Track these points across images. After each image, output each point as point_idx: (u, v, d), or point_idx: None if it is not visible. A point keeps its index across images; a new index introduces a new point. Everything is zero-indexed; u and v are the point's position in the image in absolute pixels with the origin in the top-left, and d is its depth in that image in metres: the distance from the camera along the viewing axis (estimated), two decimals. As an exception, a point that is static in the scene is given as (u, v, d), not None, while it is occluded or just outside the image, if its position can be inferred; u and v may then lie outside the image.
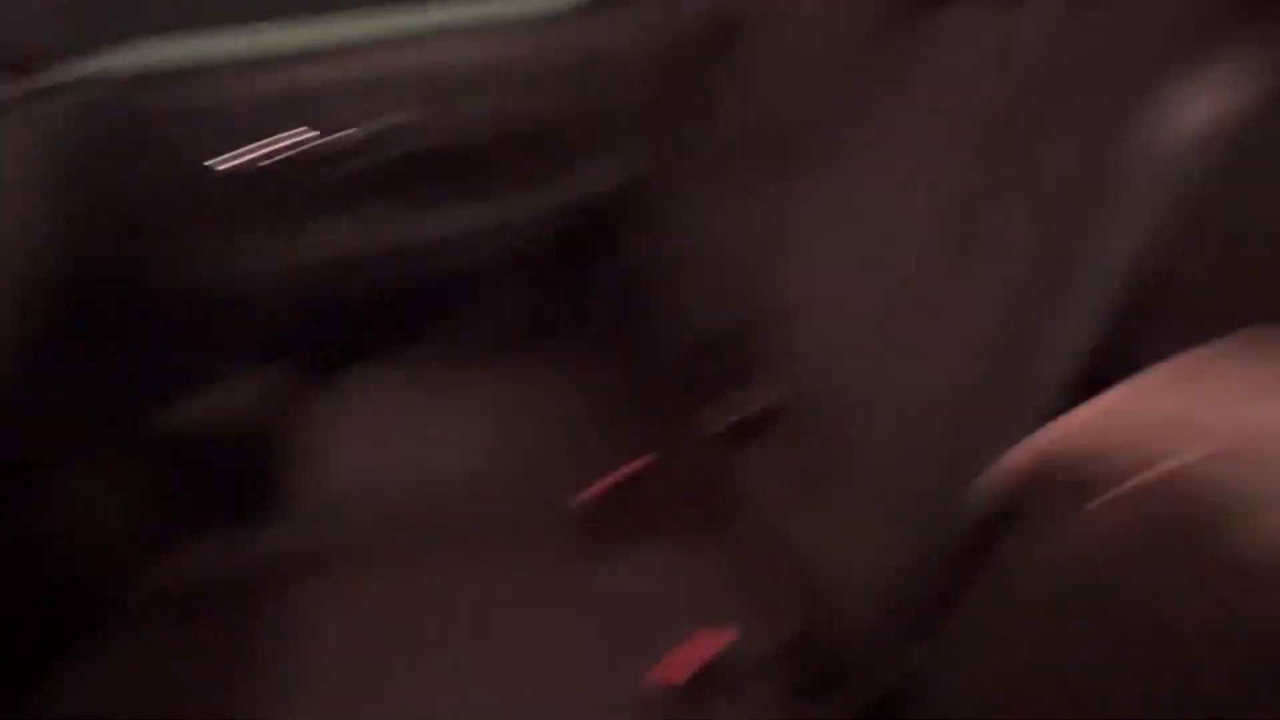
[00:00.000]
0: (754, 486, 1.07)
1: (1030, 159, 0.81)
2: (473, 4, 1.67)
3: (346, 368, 1.44)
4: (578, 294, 1.61)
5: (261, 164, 1.49)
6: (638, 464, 1.16)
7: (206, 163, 1.48)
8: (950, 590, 0.73)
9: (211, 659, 1.04)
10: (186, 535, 1.37)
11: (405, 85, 1.53)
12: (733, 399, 1.09)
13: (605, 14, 1.61)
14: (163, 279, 1.46)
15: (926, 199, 0.90)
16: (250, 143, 1.49)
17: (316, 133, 1.50)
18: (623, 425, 1.28)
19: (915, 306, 0.86)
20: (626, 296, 1.50)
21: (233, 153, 1.48)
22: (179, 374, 1.46)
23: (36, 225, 1.19)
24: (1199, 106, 0.69)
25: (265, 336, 1.53)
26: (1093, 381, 0.69)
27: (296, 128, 1.50)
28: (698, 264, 1.30)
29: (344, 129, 1.50)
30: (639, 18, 1.54)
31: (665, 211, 1.42)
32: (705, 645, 0.88)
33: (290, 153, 1.50)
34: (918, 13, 1.01)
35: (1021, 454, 0.62)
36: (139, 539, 1.37)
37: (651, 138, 1.49)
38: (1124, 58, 0.76)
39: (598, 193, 1.56)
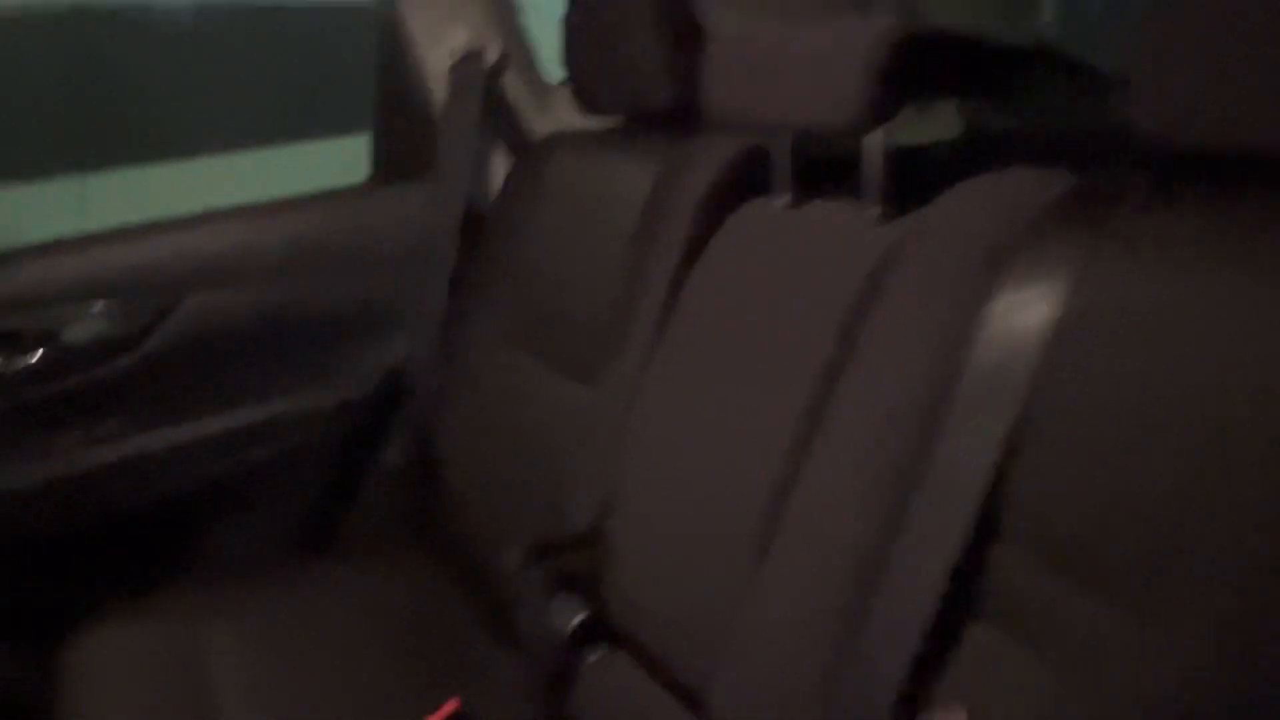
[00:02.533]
0: (594, 710, 0.99)
1: (867, 368, 0.81)
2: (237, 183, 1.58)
3: (93, 616, 1.23)
4: (360, 492, 1.49)
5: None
6: (462, 689, 1.06)
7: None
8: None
9: None
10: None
11: (156, 277, 1.39)
12: (556, 612, 1.02)
13: (382, 195, 1.55)
14: None
15: (760, 409, 0.89)
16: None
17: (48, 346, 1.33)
18: (436, 644, 1.17)
19: (757, 528, 0.84)
20: (413, 490, 1.41)
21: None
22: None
23: None
24: (1034, 307, 0.71)
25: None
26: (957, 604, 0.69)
27: (27, 333, 1.32)
28: (492, 464, 1.24)
29: (83, 335, 1.33)
30: (408, 200, 1.49)
31: (450, 402, 1.35)
32: None
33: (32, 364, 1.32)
34: (708, 208, 1.03)
35: None
36: None
37: (423, 326, 1.42)
38: (954, 257, 0.78)
39: (369, 387, 1.47)
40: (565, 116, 1.41)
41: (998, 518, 0.69)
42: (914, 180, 0.88)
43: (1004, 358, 0.71)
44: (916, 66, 0.83)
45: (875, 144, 0.88)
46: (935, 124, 1.25)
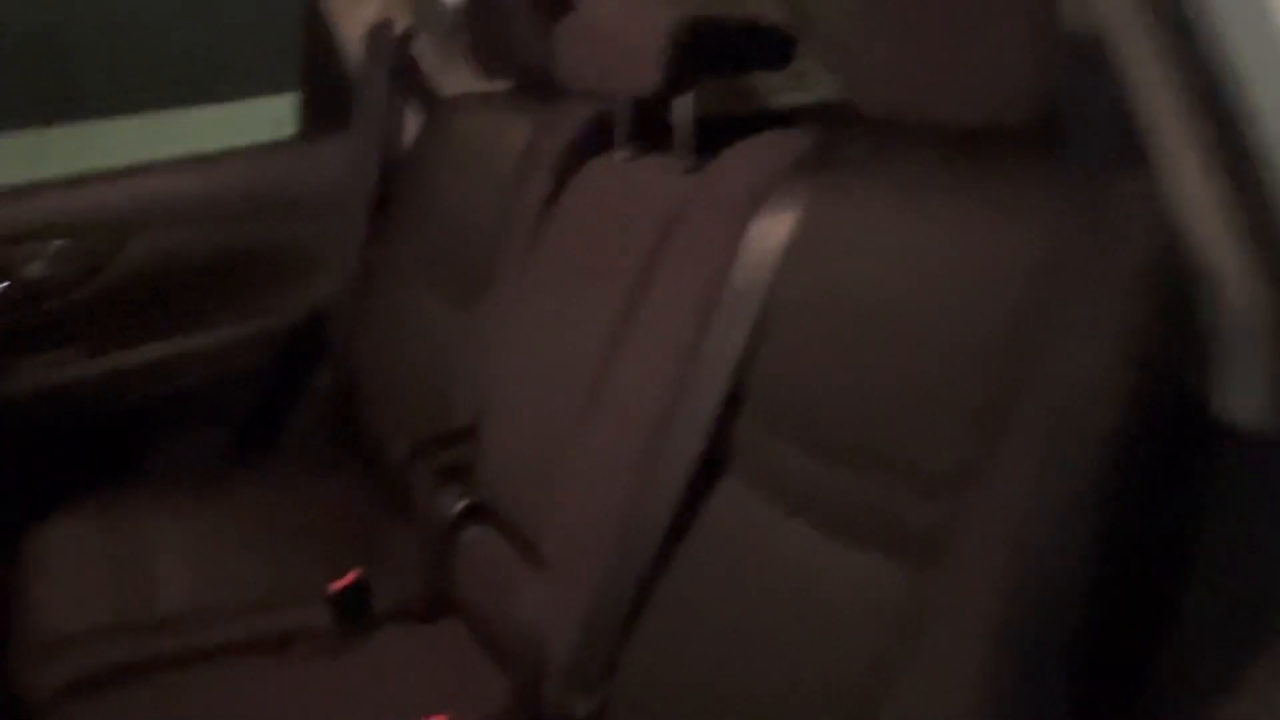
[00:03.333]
0: (467, 577, 1.22)
1: (663, 283, 1.03)
2: (173, 138, 1.75)
3: (50, 515, 1.43)
4: (289, 410, 1.70)
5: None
6: (366, 560, 1.27)
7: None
8: (626, 635, 0.92)
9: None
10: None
11: (98, 219, 1.58)
12: (440, 499, 1.24)
13: (305, 149, 1.74)
14: None
15: (588, 321, 1.11)
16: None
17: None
18: (348, 527, 1.39)
19: (581, 408, 1.06)
20: (335, 408, 1.62)
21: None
22: None
23: None
24: (776, 233, 0.92)
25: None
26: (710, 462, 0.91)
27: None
28: (397, 380, 1.45)
29: (40, 270, 1.52)
30: (331, 154, 1.68)
31: (365, 332, 1.55)
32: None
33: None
34: (565, 162, 1.24)
35: None
36: None
37: (344, 264, 1.62)
38: (723, 203, 1.00)
39: (297, 317, 1.67)
40: (469, 80, 1.60)
41: (744, 391, 0.90)
42: (723, 139, 1.08)
43: (753, 271, 0.92)
44: (707, 46, 1.04)
45: (683, 109, 1.09)
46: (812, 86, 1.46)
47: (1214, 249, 0.52)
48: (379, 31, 1.64)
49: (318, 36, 1.70)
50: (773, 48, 1.07)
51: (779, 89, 1.53)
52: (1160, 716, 0.57)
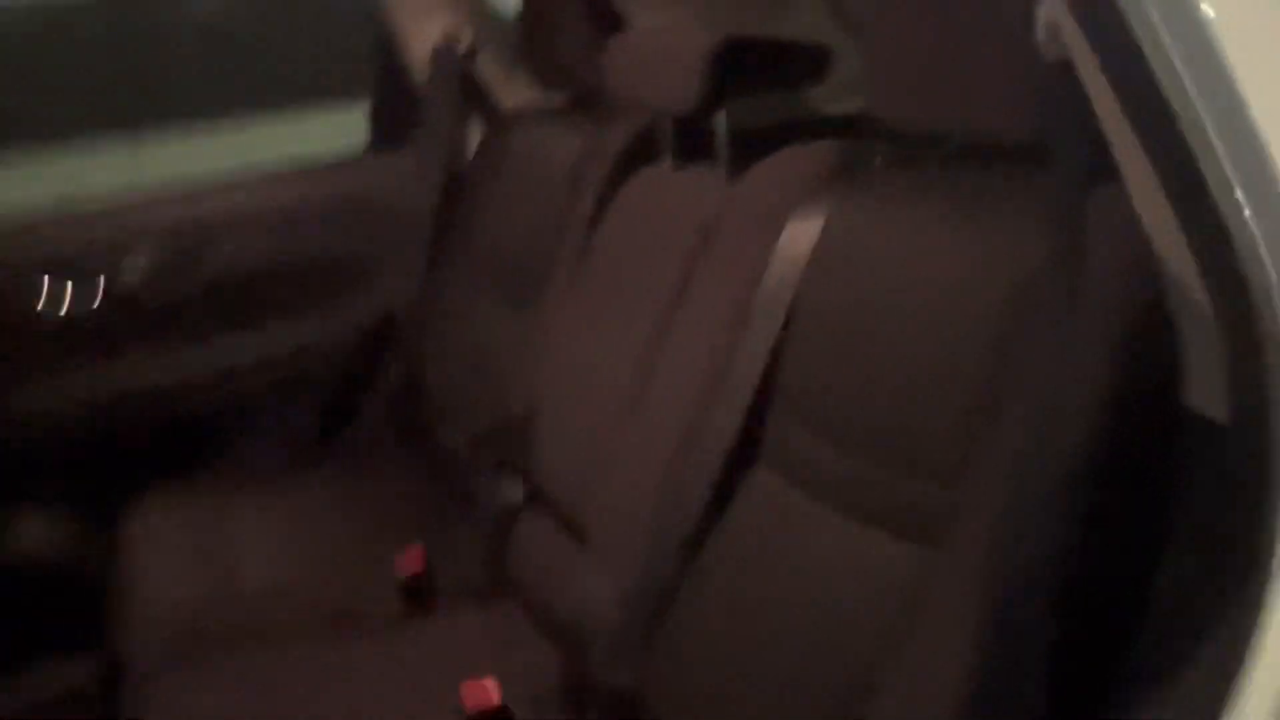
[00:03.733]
0: (521, 559, 1.31)
1: (701, 285, 1.11)
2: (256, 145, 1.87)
3: (146, 497, 1.56)
4: (360, 405, 1.81)
5: (52, 313, 1.62)
6: (431, 544, 1.37)
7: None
8: (664, 610, 1.00)
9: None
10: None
11: (191, 229, 1.71)
12: (498, 488, 1.33)
13: (376, 163, 1.86)
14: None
15: (633, 321, 1.19)
16: (38, 293, 1.61)
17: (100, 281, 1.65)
18: (414, 514, 1.49)
19: (627, 402, 1.14)
20: (402, 404, 1.73)
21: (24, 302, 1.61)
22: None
23: None
24: (803, 240, 0.99)
25: (64, 473, 1.64)
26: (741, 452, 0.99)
27: (87, 275, 1.64)
28: (458, 377, 1.55)
29: (135, 275, 1.65)
30: (398, 167, 1.79)
31: (430, 333, 1.66)
32: (482, 693, 1.10)
33: (77, 299, 1.64)
34: (614, 173, 1.32)
35: None
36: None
37: (411, 269, 1.73)
38: (756, 213, 1.07)
39: (368, 319, 1.78)
40: (528, 94, 1.69)
41: (773, 387, 0.98)
42: (760, 150, 1.15)
43: (782, 276, 0.99)
44: (742, 64, 1.11)
45: (721, 121, 1.16)
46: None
47: (1173, 257, 0.58)
48: (444, 49, 1.74)
49: (387, 54, 1.81)
50: (806, 65, 1.14)
51: (825, 99, 1.60)
52: (1132, 689, 0.63)
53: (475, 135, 1.78)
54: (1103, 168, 0.63)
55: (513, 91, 1.78)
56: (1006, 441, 0.71)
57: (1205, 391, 0.60)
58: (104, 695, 1.31)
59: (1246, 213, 0.52)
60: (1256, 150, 0.52)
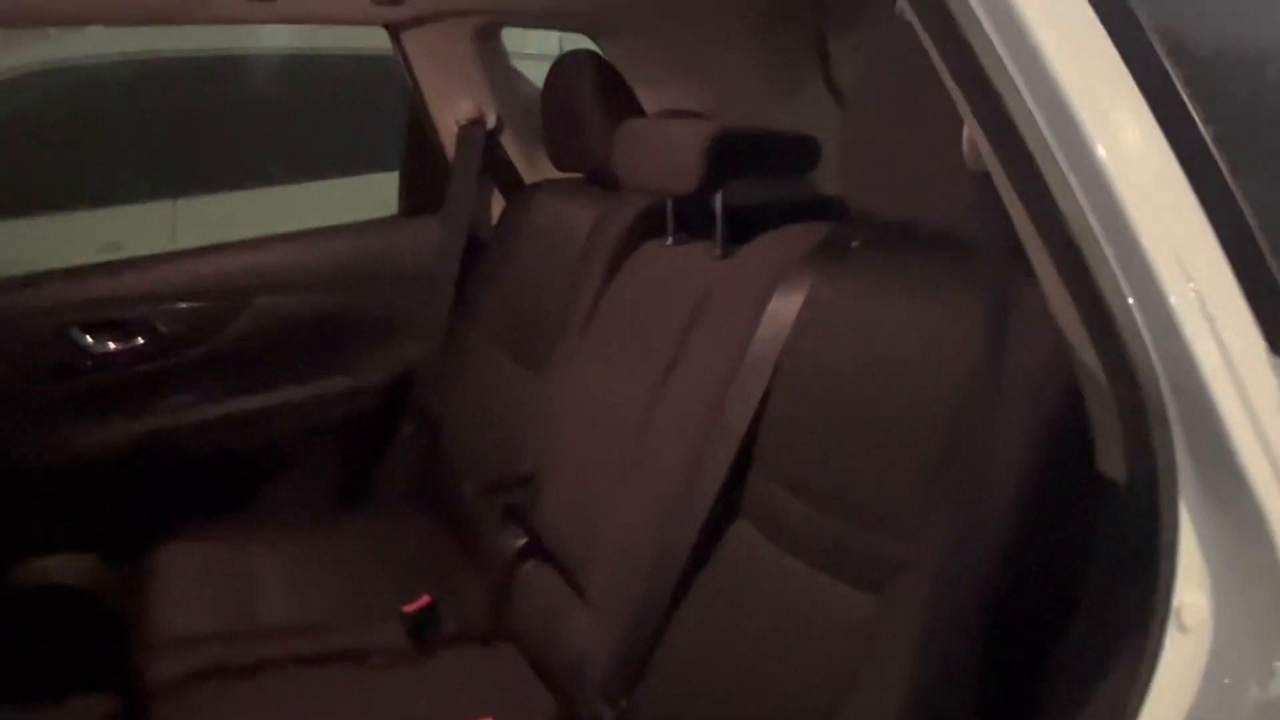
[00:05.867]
0: (522, 606, 1.39)
1: (694, 353, 1.21)
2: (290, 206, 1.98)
3: (170, 537, 1.66)
4: (378, 457, 1.91)
5: (91, 359, 1.73)
6: (437, 590, 1.45)
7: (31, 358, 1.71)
8: (650, 653, 1.08)
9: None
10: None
11: (225, 282, 1.83)
12: (503, 539, 1.42)
13: (404, 227, 1.98)
14: (2, 458, 1.66)
15: (632, 384, 1.29)
16: (83, 339, 1.73)
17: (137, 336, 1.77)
18: (424, 562, 1.58)
19: (624, 460, 1.23)
20: (418, 457, 1.83)
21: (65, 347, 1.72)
22: (16, 541, 1.65)
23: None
24: (786, 313, 1.09)
25: (92, 512, 1.75)
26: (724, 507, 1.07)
27: (123, 324, 1.76)
28: (472, 430, 1.65)
29: (171, 326, 1.77)
30: (424, 231, 1.91)
31: (447, 389, 1.76)
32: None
33: (116, 348, 1.75)
34: (621, 246, 1.43)
35: None
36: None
37: (432, 328, 1.84)
38: (744, 287, 1.17)
39: (389, 375, 1.88)
40: (548, 170, 1.82)
41: (754, 447, 1.07)
42: (753, 229, 1.26)
43: (767, 345, 1.09)
44: (735, 153, 1.22)
45: (717, 203, 1.27)
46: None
47: (1079, 344, 0.67)
48: (471, 125, 1.87)
49: (418, 127, 1.94)
50: (795, 155, 1.25)
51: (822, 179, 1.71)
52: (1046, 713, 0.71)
53: (497, 206, 1.91)
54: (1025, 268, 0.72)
55: (533, 167, 1.91)
56: (948, 501, 0.79)
57: (1110, 457, 0.69)
58: None
59: (1133, 307, 0.62)
60: (1139, 255, 0.61)
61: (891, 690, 0.78)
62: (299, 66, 2.99)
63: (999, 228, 0.71)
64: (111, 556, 1.72)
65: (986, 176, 0.68)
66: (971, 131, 0.68)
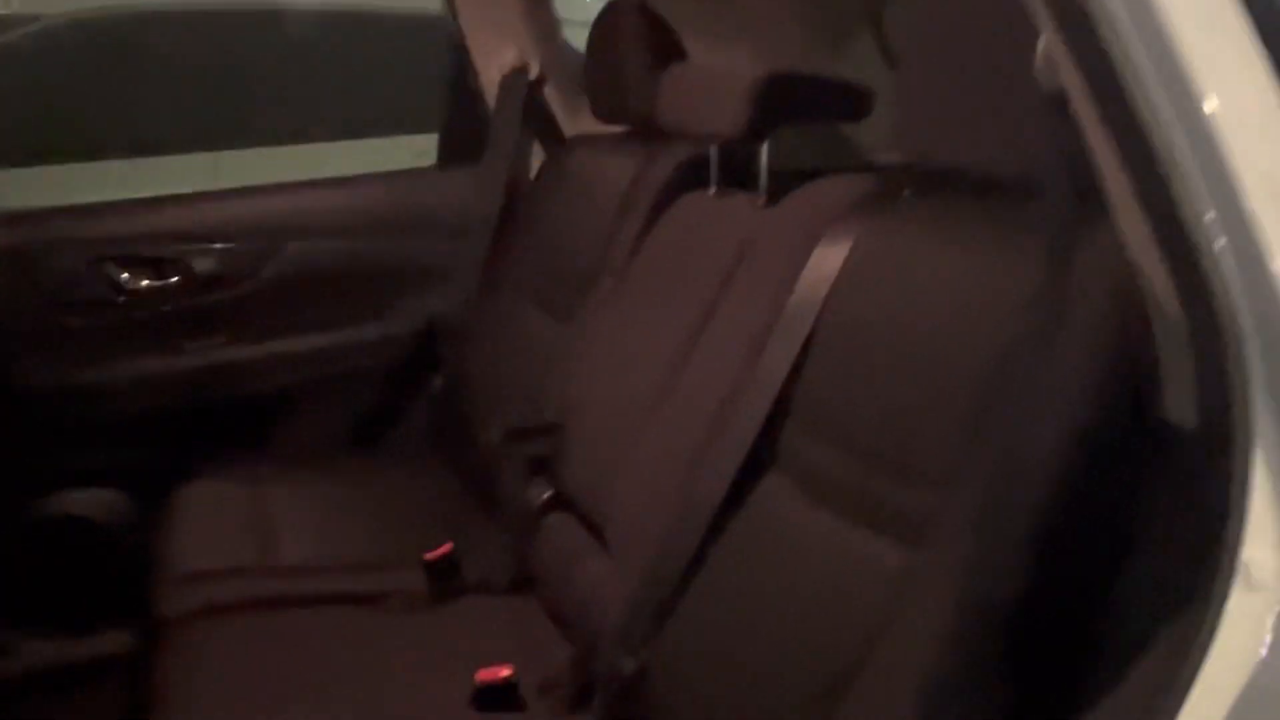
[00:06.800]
0: (543, 556, 1.36)
1: (731, 303, 1.17)
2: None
3: (193, 475, 1.65)
4: (404, 404, 1.89)
5: (125, 295, 1.72)
6: (458, 538, 1.43)
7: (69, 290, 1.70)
8: (671, 603, 1.05)
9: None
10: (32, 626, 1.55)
11: (260, 225, 1.81)
12: (525, 488, 1.39)
13: (441, 177, 1.96)
14: (33, 390, 1.66)
15: (665, 334, 1.25)
16: (118, 274, 1.72)
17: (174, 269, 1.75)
18: (446, 511, 1.56)
19: (651, 409, 1.20)
20: (443, 405, 1.80)
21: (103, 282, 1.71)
22: (43, 474, 1.64)
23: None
24: (830, 263, 1.05)
25: (118, 447, 1.74)
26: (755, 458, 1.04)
27: (158, 261, 1.75)
28: (498, 380, 1.62)
29: (206, 266, 1.76)
30: (462, 183, 1.88)
31: (475, 340, 1.73)
32: (494, 675, 1.16)
33: (150, 285, 1.74)
34: (661, 197, 1.39)
35: None
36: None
37: (465, 278, 1.81)
38: (787, 236, 1.13)
39: (418, 323, 1.86)
40: (590, 123, 1.78)
41: (790, 399, 1.03)
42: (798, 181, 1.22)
43: (808, 296, 1.05)
44: (785, 97, 1.18)
45: (762, 151, 1.23)
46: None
47: (1152, 273, 0.63)
48: (514, 76, 1.83)
49: (459, 77, 1.91)
50: (847, 102, 1.21)
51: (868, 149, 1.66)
52: (1094, 685, 0.67)
53: (536, 159, 1.87)
54: (1095, 204, 0.68)
55: (575, 119, 1.87)
56: (990, 453, 0.75)
57: (1176, 398, 0.65)
58: (142, 656, 1.39)
59: (1216, 230, 0.57)
60: (1227, 175, 0.57)
61: (925, 643, 0.74)
62: (347, 23, 2.96)
63: (1069, 151, 0.66)
64: (137, 493, 1.71)
65: (1061, 95, 0.64)
66: (1049, 45, 0.64)
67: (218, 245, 1.78)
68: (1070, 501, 0.70)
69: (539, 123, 1.86)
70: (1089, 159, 0.65)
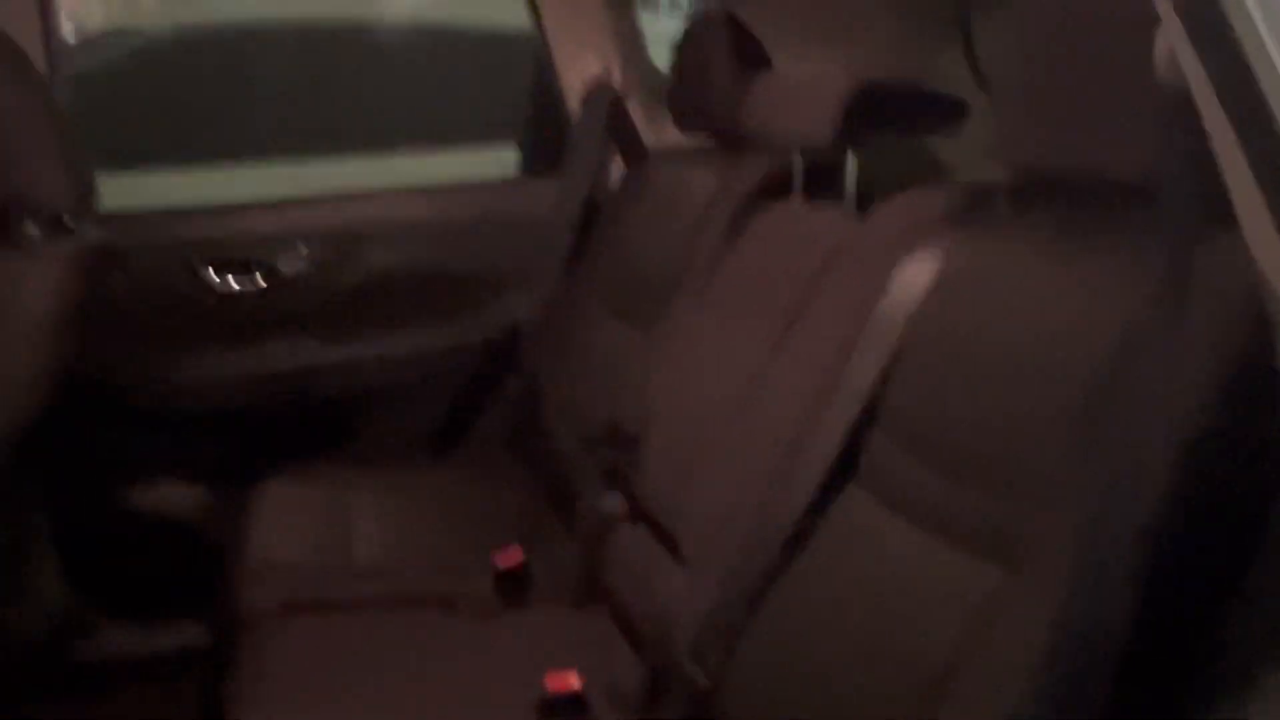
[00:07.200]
0: (616, 567, 1.35)
1: (816, 314, 1.15)
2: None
3: (275, 475, 1.67)
4: (480, 410, 1.90)
5: (215, 296, 1.76)
6: (530, 546, 1.43)
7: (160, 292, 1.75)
8: (747, 616, 1.02)
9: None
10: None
11: (345, 231, 1.84)
12: (600, 498, 1.38)
13: (522, 186, 1.98)
14: (125, 385, 1.70)
15: (747, 344, 1.23)
16: (210, 276, 1.76)
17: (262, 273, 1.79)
18: (519, 517, 1.56)
19: (732, 421, 1.18)
20: (519, 412, 1.81)
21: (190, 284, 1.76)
22: (131, 466, 1.69)
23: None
24: (920, 276, 1.02)
25: (203, 445, 1.78)
26: (839, 471, 1.01)
27: (247, 265, 1.78)
28: (576, 389, 1.62)
29: (292, 269, 1.79)
30: (543, 192, 1.89)
31: (554, 347, 1.73)
32: (563, 679, 1.15)
33: (239, 287, 1.78)
34: (744, 208, 1.38)
35: None
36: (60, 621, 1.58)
37: (543, 287, 1.81)
38: (876, 247, 1.10)
39: (497, 330, 1.87)
40: (673, 136, 1.77)
41: (877, 410, 1.00)
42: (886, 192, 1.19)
43: (897, 307, 1.02)
44: (876, 107, 1.16)
45: (850, 160, 1.21)
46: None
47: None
48: (597, 88, 1.84)
49: (541, 88, 1.92)
50: (940, 113, 1.18)
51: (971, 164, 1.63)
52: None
53: (616, 170, 1.87)
54: (1218, 211, 0.64)
55: (657, 132, 1.87)
56: (1098, 469, 0.72)
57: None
58: (218, 649, 1.41)
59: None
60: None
61: (1017, 670, 0.71)
62: (435, 39, 3.02)
63: (1190, 153, 0.63)
64: (219, 489, 1.75)
65: (1183, 93, 0.61)
66: (1171, 39, 0.61)
67: (304, 249, 1.81)
68: (1184, 525, 0.66)
69: (621, 135, 1.86)
70: (1211, 162, 0.62)
